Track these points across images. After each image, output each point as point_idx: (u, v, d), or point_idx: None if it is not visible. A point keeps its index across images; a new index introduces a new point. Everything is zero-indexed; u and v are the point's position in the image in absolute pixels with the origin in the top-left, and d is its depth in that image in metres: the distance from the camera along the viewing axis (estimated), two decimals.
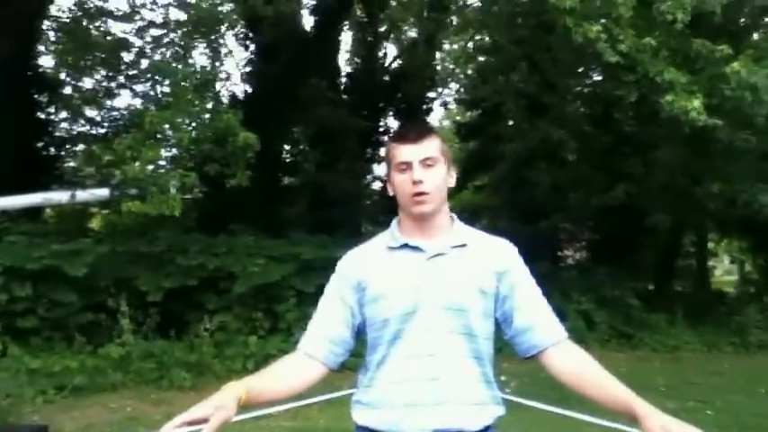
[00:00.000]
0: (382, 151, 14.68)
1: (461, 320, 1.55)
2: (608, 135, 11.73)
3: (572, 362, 1.59)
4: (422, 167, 1.58)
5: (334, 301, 1.65)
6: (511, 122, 13.54)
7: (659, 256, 14.61)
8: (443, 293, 1.56)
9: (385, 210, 12.69)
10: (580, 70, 11.72)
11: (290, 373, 1.61)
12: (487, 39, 14.37)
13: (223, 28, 11.64)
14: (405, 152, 1.60)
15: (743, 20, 10.85)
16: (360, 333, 1.65)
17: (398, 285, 1.58)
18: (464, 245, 1.63)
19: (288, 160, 13.97)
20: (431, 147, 1.61)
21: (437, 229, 1.63)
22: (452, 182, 1.67)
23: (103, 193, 8.16)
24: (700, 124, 7.30)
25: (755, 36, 10.23)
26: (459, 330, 1.55)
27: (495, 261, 1.63)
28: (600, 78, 11.48)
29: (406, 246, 1.62)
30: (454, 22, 15.39)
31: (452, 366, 1.54)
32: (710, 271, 17.96)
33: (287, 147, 13.92)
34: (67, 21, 11.18)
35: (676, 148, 9.99)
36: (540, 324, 1.62)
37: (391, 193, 1.67)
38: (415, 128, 1.67)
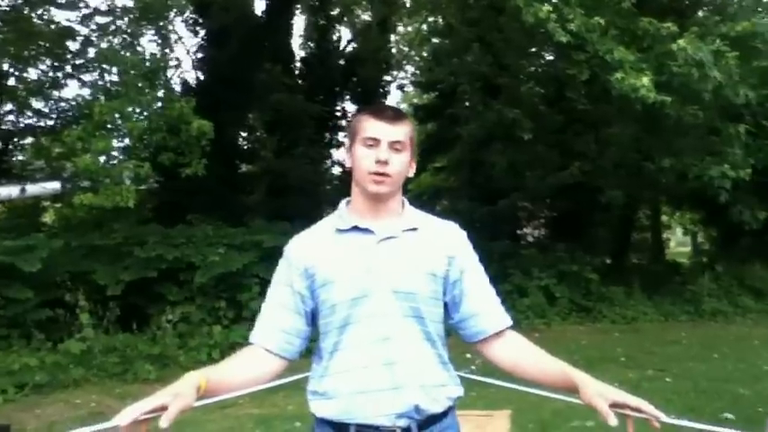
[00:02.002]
0: (340, 136, 14.61)
1: (411, 304, 1.53)
2: (561, 114, 11.90)
3: (510, 349, 1.61)
4: (390, 149, 1.55)
5: (284, 289, 1.60)
6: (467, 104, 13.62)
7: (615, 231, 14.95)
8: (394, 277, 1.53)
9: (345, 195, 12.60)
10: (533, 50, 11.83)
11: (249, 367, 1.57)
12: (440, 21, 14.39)
13: (171, 14, 11.36)
14: (377, 128, 1.56)
15: None
16: (315, 318, 1.61)
17: (347, 269, 1.54)
18: (415, 228, 1.60)
19: (245, 147, 13.79)
20: (403, 131, 1.58)
21: (388, 212, 1.60)
22: (412, 172, 1.64)
23: (55, 186, 7.94)
24: (649, 101, 7.46)
25: (700, 13, 10.47)
26: (409, 314, 1.53)
27: (446, 245, 1.62)
28: (552, 58, 11.61)
29: (355, 228, 1.58)
30: (407, 5, 15.36)
31: (408, 349, 1.51)
32: (665, 243, 18.48)
33: (243, 134, 13.73)
34: (7, 9, 10.76)
35: (627, 125, 10.20)
36: (486, 311, 1.62)
37: (348, 165, 1.63)
38: (392, 108, 1.64)
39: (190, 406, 1.37)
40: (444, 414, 1.56)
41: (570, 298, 10.62)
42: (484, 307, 1.63)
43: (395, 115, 1.59)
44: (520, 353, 1.61)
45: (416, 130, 1.70)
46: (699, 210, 15.41)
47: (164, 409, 1.32)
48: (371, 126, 1.56)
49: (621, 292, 10.94)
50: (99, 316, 7.71)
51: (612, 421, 1.37)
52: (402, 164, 1.58)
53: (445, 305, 1.62)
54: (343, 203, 1.66)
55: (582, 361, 6.07)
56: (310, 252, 1.59)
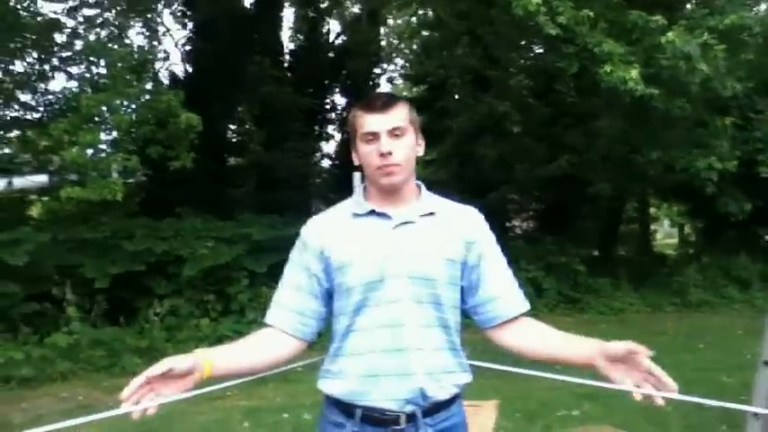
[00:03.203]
0: (330, 129, 14.59)
1: (428, 289, 1.52)
2: (550, 107, 11.93)
3: (525, 334, 1.60)
4: (390, 138, 1.52)
5: (299, 271, 1.60)
6: (456, 97, 13.62)
7: (603, 223, 15.02)
8: (410, 262, 1.52)
9: (334, 188, 12.64)
10: (522, 43, 11.84)
11: (263, 349, 1.56)
12: (430, 13, 14.37)
13: (159, 6, 11.30)
14: (371, 122, 1.53)
15: None
16: (330, 299, 1.60)
17: (363, 253, 1.53)
18: (432, 213, 1.60)
19: (233, 140, 13.75)
20: (399, 116, 1.55)
21: (404, 197, 1.59)
22: (421, 150, 1.62)
23: (42, 179, 7.90)
24: (637, 94, 7.49)
25: (688, 6, 10.51)
26: (426, 299, 1.52)
27: (465, 230, 1.61)
28: (541, 51, 11.63)
29: (372, 212, 1.57)
30: None
31: (419, 336, 1.50)
32: (652, 235, 18.57)
33: (232, 127, 13.68)
34: None
35: (616, 117, 10.24)
36: (503, 296, 1.61)
37: (356, 163, 1.62)
38: (383, 96, 1.60)
39: (182, 370, 1.38)
40: (450, 401, 1.56)
41: (558, 289, 10.68)
42: (501, 292, 1.61)
43: (386, 102, 1.56)
44: (539, 338, 1.59)
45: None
46: (686, 202, 15.49)
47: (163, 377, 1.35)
48: (366, 121, 1.54)
49: (608, 284, 11.01)
50: (86, 309, 7.69)
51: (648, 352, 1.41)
52: (407, 148, 1.55)
53: (462, 290, 1.60)
54: (359, 189, 1.65)
55: None
56: (326, 235, 1.58)
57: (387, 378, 1.49)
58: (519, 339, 1.60)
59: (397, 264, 1.51)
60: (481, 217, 1.67)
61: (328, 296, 1.60)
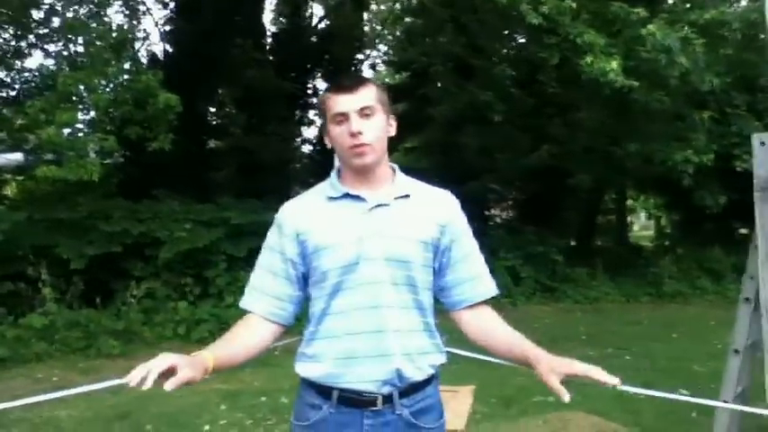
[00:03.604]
0: (311, 113, 14.51)
1: (404, 272, 1.53)
2: (533, 97, 11.96)
3: (485, 323, 1.62)
4: (360, 118, 1.52)
5: (274, 255, 1.60)
6: (439, 85, 13.59)
7: (581, 214, 15.17)
8: (386, 245, 1.52)
9: (315, 173, 12.59)
10: (505, 33, 11.84)
11: (246, 339, 1.57)
12: (414, 0, 14.31)
13: None
14: (341, 102, 1.53)
15: None
16: (307, 283, 1.61)
17: (339, 237, 1.53)
18: (407, 195, 1.60)
19: (214, 123, 13.62)
20: (368, 96, 1.55)
21: (379, 179, 1.59)
22: (392, 131, 1.62)
23: (17, 157, 7.78)
24: (617, 86, 7.54)
25: (670, 0, 10.59)
26: (401, 282, 1.53)
27: (438, 213, 1.61)
28: (524, 41, 11.64)
29: (347, 195, 1.57)
30: None
31: (396, 318, 1.52)
32: (629, 227, 18.82)
33: (212, 109, 13.55)
34: None
35: (597, 109, 10.31)
36: (472, 279, 1.64)
37: (329, 146, 1.62)
38: (351, 77, 1.61)
39: (194, 382, 1.36)
40: (426, 382, 1.57)
41: (536, 278, 10.79)
42: (470, 276, 1.64)
43: (355, 83, 1.56)
44: (493, 329, 1.62)
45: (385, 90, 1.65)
46: (663, 194, 15.71)
47: (172, 370, 1.31)
48: (335, 102, 1.55)
49: (585, 274, 11.15)
50: (62, 290, 7.59)
51: (566, 398, 1.38)
52: (377, 128, 1.55)
53: (432, 271, 1.61)
54: (333, 172, 1.65)
55: (545, 339, 6.18)
56: (302, 218, 1.59)
57: (364, 360, 1.50)
58: (477, 328, 1.62)
59: (372, 246, 1.52)
60: (455, 200, 1.68)
61: (304, 280, 1.60)
